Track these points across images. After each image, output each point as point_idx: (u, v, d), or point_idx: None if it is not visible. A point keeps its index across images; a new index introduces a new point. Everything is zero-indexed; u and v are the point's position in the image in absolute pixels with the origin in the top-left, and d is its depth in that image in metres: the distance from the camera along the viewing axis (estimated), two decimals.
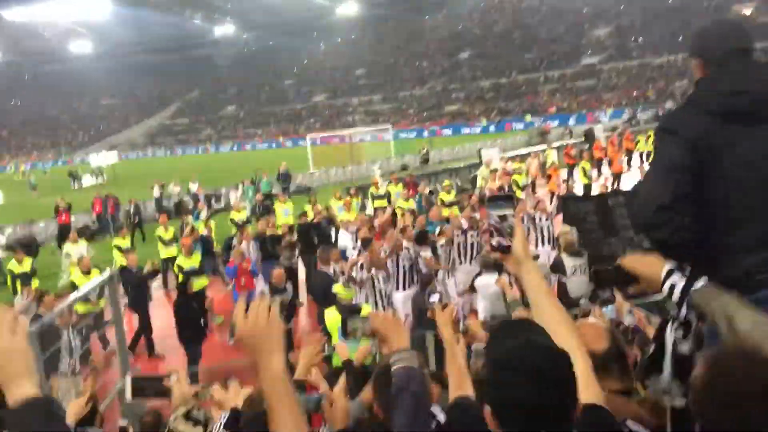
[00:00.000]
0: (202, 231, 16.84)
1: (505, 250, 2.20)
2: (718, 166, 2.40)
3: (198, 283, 12.38)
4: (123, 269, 12.52)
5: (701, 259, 2.33)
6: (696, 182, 2.42)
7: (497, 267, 9.76)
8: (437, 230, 12.86)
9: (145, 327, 12.41)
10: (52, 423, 1.54)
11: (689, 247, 2.39)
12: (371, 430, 3.09)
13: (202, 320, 10.90)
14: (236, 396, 3.78)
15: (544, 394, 1.52)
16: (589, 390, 1.86)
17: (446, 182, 21.56)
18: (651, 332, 3.94)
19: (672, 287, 2.08)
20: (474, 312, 11.01)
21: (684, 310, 2.09)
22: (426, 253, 11.60)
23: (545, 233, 13.31)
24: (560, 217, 15.21)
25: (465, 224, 12.38)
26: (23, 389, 1.57)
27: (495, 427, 1.62)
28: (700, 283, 2.03)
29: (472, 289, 10.44)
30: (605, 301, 4.22)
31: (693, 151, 2.40)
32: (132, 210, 25.06)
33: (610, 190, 17.00)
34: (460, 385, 2.74)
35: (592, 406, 1.82)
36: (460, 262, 12.06)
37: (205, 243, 16.16)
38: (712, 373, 1.55)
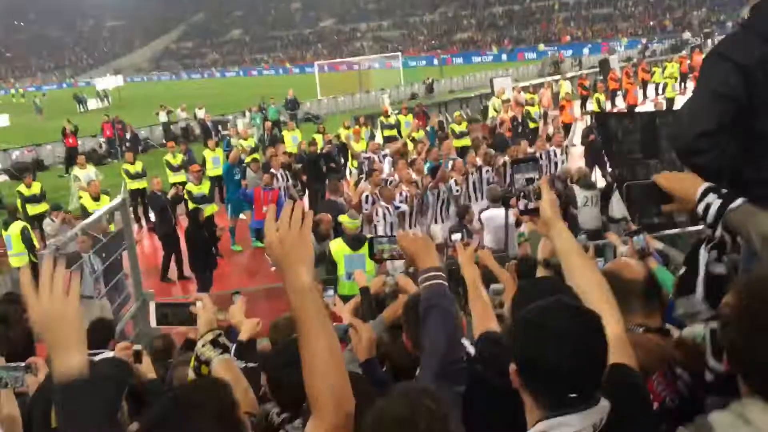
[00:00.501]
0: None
1: (534, 212, 2.18)
2: None
3: (207, 210, 12.36)
4: (152, 194, 12.50)
5: (742, 190, 2.23)
6: (746, 112, 2.30)
7: (504, 201, 9.74)
8: (450, 165, 12.65)
9: (176, 250, 12.30)
10: (96, 401, 1.56)
11: (728, 175, 2.32)
12: (399, 360, 3.08)
13: (213, 248, 10.87)
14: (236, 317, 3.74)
15: (572, 358, 1.51)
16: (619, 353, 1.82)
17: (456, 113, 21.26)
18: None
19: (707, 207, 2.01)
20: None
21: (719, 231, 2.04)
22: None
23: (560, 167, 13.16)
24: (575, 149, 15.12)
25: (479, 161, 12.22)
26: (70, 358, 1.60)
27: (519, 384, 1.61)
28: (736, 203, 1.96)
29: (478, 221, 10.42)
30: (636, 231, 4.13)
31: (745, 79, 2.27)
32: (128, 137, 24.97)
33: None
34: (485, 321, 2.75)
35: (617, 365, 1.77)
36: (476, 199, 11.94)
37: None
38: (744, 300, 1.49)
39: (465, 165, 12.19)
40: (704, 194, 2.03)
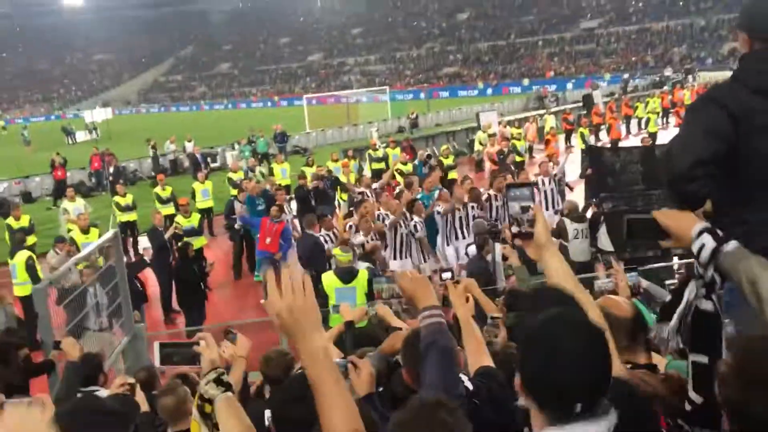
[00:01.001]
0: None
1: (528, 236, 2.22)
2: (757, 143, 2.41)
3: (196, 243, 12.42)
4: (153, 228, 12.49)
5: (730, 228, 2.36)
6: (732, 157, 2.43)
7: (492, 234, 9.88)
8: (436, 194, 12.84)
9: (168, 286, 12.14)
10: None
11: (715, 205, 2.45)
12: (399, 393, 3.14)
13: (201, 283, 10.81)
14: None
15: (577, 373, 1.51)
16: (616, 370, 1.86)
17: (444, 146, 21.49)
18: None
19: (701, 247, 2.08)
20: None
21: (710, 271, 2.09)
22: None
23: (549, 197, 13.35)
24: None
25: (466, 197, 12.37)
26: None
27: (524, 395, 1.62)
28: (729, 246, 2.03)
29: (466, 256, 10.55)
30: (630, 269, 4.28)
31: (734, 126, 2.40)
32: (111, 171, 24.96)
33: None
34: (480, 357, 2.80)
35: (617, 378, 1.81)
36: (463, 236, 12.04)
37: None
38: (741, 359, 1.54)
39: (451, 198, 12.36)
40: (699, 234, 2.09)
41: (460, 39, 79.79)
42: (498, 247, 9.73)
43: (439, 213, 11.86)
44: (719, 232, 2.11)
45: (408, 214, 11.67)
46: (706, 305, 2.21)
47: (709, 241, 2.06)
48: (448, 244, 11.94)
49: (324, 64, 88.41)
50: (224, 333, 4.39)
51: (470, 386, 2.48)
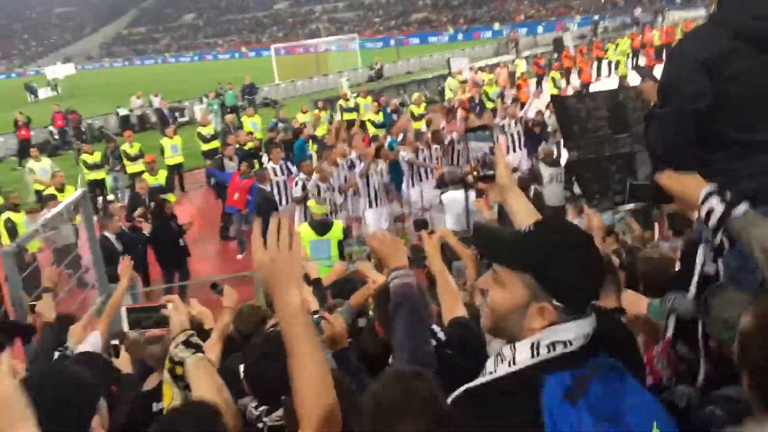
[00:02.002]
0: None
1: (490, 178, 2.20)
2: (730, 89, 2.37)
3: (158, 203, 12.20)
4: (135, 194, 12.34)
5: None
6: (710, 108, 2.40)
7: (463, 183, 9.93)
8: (399, 138, 12.84)
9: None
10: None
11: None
12: (372, 347, 3.16)
13: (180, 240, 10.61)
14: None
15: (592, 269, 1.60)
16: None
17: (416, 95, 21.32)
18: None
19: (709, 212, 2.02)
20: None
21: (719, 236, 2.04)
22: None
23: (515, 140, 13.43)
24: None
25: (430, 138, 12.37)
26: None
27: (530, 297, 1.62)
28: (739, 210, 1.97)
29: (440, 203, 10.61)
30: (605, 208, 4.27)
31: (708, 73, 2.36)
32: (71, 132, 24.44)
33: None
34: (454, 308, 2.82)
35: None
36: (427, 178, 12.13)
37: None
38: (760, 322, 1.52)
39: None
40: (707, 197, 2.03)
41: None
42: (472, 195, 9.80)
43: (404, 158, 11.88)
44: (728, 194, 2.04)
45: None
46: (710, 268, 2.20)
47: (717, 205, 2.00)
48: (413, 186, 12.04)
49: (291, 12, 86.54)
50: (211, 287, 4.37)
51: (442, 337, 2.50)
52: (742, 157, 2.37)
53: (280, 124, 18.24)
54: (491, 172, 2.20)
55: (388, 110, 19.31)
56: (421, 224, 10.46)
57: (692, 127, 2.42)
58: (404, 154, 11.91)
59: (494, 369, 1.61)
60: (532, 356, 1.55)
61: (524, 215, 2.13)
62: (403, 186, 12.12)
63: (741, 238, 1.96)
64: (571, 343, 1.55)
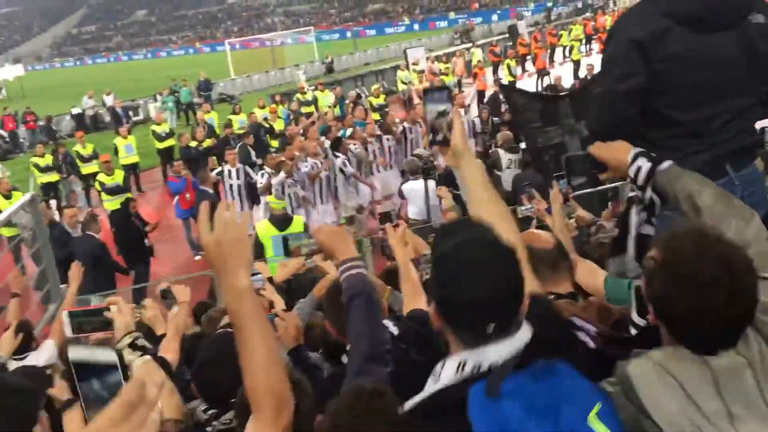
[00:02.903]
0: None
1: (444, 143, 2.14)
2: (670, 71, 2.41)
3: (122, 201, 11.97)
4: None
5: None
6: (644, 87, 2.45)
7: (424, 172, 9.95)
8: (347, 132, 12.78)
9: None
10: None
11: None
12: (325, 346, 3.14)
13: (144, 239, 10.35)
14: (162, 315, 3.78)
15: (488, 288, 1.47)
16: (528, 285, 1.84)
17: (375, 86, 21.29)
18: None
19: (638, 170, 2.11)
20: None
21: (648, 193, 2.12)
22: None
23: (466, 127, 13.55)
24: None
25: (377, 130, 12.32)
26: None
27: (441, 324, 1.58)
28: (664, 165, 2.06)
29: (399, 194, 10.57)
30: (559, 176, 4.28)
31: (640, 51, 2.40)
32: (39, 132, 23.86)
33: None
34: (415, 300, 2.82)
35: (536, 296, 1.76)
36: (377, 170, 12.12)
37: None
38: (664, 253, 1.56)
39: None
40: (634, 158, 2.13)
41: None
42: (431, 184, 9.82)
43: (351, 151, 11.81)
44: (653, 154, 2.13)
45: (331, 153, 11.62)
46: (647, 230, 2.27)
47: (644, 164, 2.10)
48: (371, 174, 12.01)
49: (245, 6, 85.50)
50: (162, 297, 4.27)
51: (395, 331, 2.48)
52: (686, 136, 2.42)
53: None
54: (444, 137, 2.14)
55: (346, 102, 19.20)
56: (386, 217, 10.41)
57: (626, 106, 2.48)
58: (353, 148, 11.83)
59: (426, 389, 1.57)
60: (456, 372, 1.51)
61: (475, 185, 2.09)
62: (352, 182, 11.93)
63: (666, 189, 2.05)
64: (496, 365, 1.49)
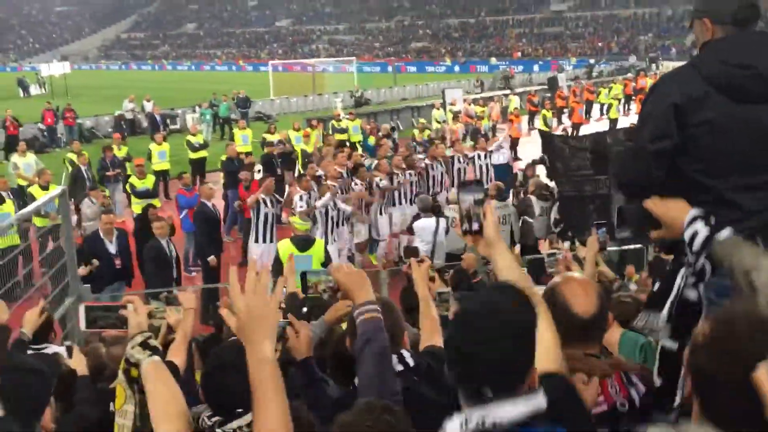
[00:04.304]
0: None
1: (477, 233, 2.20)
2: (703, 138, 2.39)
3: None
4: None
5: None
6: (675, 150, 2.43)
7: (435, 211, 9.99)
8: (373, 165, 12.85)
9: None
10: None
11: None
12: (337, 359, 3.13)
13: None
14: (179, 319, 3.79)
15: (485, 355, 1.53)
16: (552, 363, 1.88)
17: (421, 120, 21.48)
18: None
19: (694, 235, 2.06)
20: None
21: (702, 260, 2.07)
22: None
23: (483, 171, 13.63)
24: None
25: (402, 163, 12.39)
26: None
27: (453, 380, 1.63)
28: (723, 234, 2.01)
29: (409, 230, 10.57)
30: (600, 225, 4.23)
31: (675, 113, 2.39)
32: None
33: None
34: (432, 337, 2.86)
35: (551, 373, 1.82)
36: (400, 203, 12.18)
37: None
38: (717, 329, 1.52)
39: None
40: (692, 221, 2.07)
41: (431, 14, 79.33)
42: (443, 223, 9.87)
43: (377, 185, 11.85)
44: (712, 219, 2.07)
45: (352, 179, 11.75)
46: (691, 294, 2.20)
47: (702, 229, 2.04)
48: (381, 214, 11.99)
49: (292, 30, 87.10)
50: (166, 303, 4.29)
51: (411, 362, 2.48)
52: (715, 203, 2.39)
53: None
54: (477, 227, 2.19)
55: (380, 134, 19.33)
56: (411, 251, 10.45)
57: (653, 166, 2.46)
58: (377, 180, 11.90)
59: None
60: (460, 429, 1.54)
61: (508, 272, 2.13)
62: (373, 210, 12.00)
63: (724, 262, 1.98)
64: (501, 423, 1.52)
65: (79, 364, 3.82)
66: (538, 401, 1.57)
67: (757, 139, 2.37)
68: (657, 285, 2.49)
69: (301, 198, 10.59)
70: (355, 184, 11.69)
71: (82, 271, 8.08)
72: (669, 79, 2.56)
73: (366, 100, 36.84)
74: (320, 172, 11.96)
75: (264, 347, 1.66)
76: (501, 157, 14.96)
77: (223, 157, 15.05)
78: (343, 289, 2.30)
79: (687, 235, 2.07)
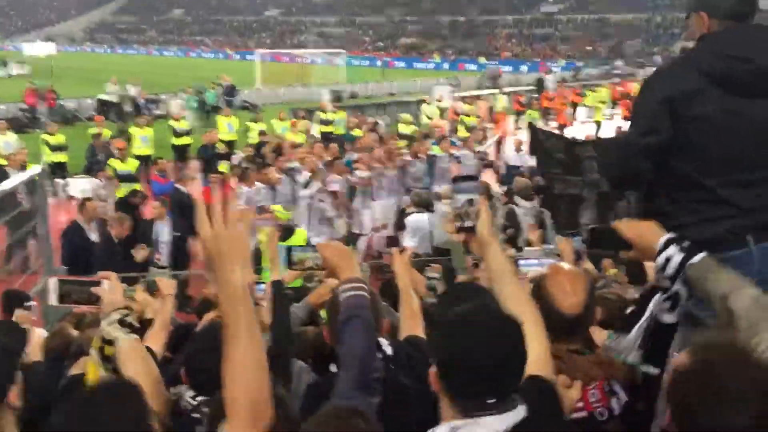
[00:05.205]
0: None
1: (471, 231, 2.19)
2: (692, 132, 2.34)
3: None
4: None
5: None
6: (665, 145, 2.39)
7: (426, 206, 9.93)
8: (353, 157, 12.76)
9: None
10: None
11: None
12: (316, 356, 3.10)
13: None
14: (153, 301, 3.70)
15: (491, 359, 1.52)
16: (541, 371, 1.86)
17: (404, 115, 21.40)
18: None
19: (667, 260, 2.02)
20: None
21: (677, 285, 2.03)
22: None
23: (471, 172, 13.58)
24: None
25: (384, 156, 12.30)
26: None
27: (439, 388, 1.61)
28: (697, 258, 1.96)
29: (400, 226, 10.47)
30: (574, 234, 4.24)
31: (669, 107, 2.34)
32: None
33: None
34: (413, 327, 2.82)
35: (533, 376, 1.80)
36: (379, 197, 12.03)
37: None
38: (695, 363, 1.52)
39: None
40: (665, 246, 2.03)
41: (422, 10, 79.30)
42: (434, 218, 9.80)
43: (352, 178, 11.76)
44: (686, 243, 2.03)
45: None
46: (669, 318, 2.17)
47: (675, 254, 2.00)
48: (364, 208, 11.82)
49: (281, 21, 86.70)
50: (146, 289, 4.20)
51: (389, 351, 2.45)
52: (709, 200, 2.35)
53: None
54: (471, 224, 2.19)
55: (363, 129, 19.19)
56: (392, 241, 10.39)
57: (641, 160, 2.43)
58: (358, 173, 11.79)
59: None
60: None
61: (498, 272, 2.13)
62: (356, 204, 11.84)
63: (698, 285, 1.95)
64: None
65: (34, 350, 3.74)
66: (520, 413, 1.57)
67: (754, 135, 2.33)
68: (630, 309, 2.46)
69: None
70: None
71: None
72: (662, 72, 2.53)
73: (353, 93, 36.70)
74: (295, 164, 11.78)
75: (234, 276, 1.58)
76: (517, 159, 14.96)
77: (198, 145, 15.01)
78: (329, 266, 2.24)
79: (660, 260, 2.04)
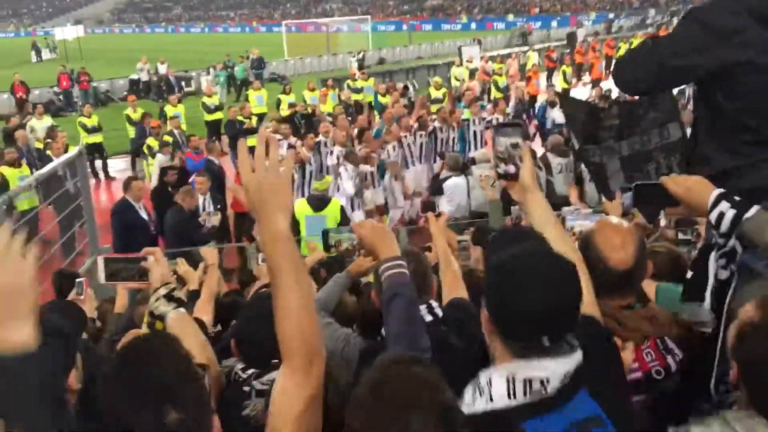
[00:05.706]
0: None
1: (512, 177, 2.11)
2: (743, 77, 2.24)
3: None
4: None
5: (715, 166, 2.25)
6: (706, 82, 2.32)
7: (464, 169, 9.81)
8: (383, 130, 12.59)
9: None
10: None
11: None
12: (362, 320, 3.10)
13: None
14: (200, 273, 3.76)
15: (546, 301, 1.48)
16: (587, 309, 1.82)
17: (436, 79, 21.16)
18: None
19: (720, 216, 1.93)
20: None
21: (732, 241, 1.97)
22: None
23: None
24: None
25: (415, 125, 12.15)
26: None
27: (492, 333, 1.59)
28: (751, 212, 1.89)
29: (437, 191, 10.35)
30: (628, 188, 4.10)
31: (711, 43, 2.26)
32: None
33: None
34: (455, 289, 2.79)
35: (588, 316, 1.78)
36: (412, 164, 11.96)
37: None
38: (763, 314, 1.47)
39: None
40: (716, 202, 1.95)
41: None
42: (471, 180, 9.69)
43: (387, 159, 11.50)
44: (737, 197, 1.95)
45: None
46: (723, 274, 2.11)
47: (728, 210, 1.92)
48: (396, 178, 11.59)
49: None
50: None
51: (439, 313, 2.44)
52: (758, 143, 2.27)
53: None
54: (513, 170, 2.10)
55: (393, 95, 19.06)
56: (428, 206, 10.29)
57: (666, 79, 2.40)
58: (390, 148, 11.58)
59: (472, 401, 1.53)
60: (509, 396, 1.49)
61: (540, 220, 2.07)
62: (386, 176, 11.55)
63: (756, 238, 1.88)
64: (548, 381, 1.48)
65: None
66: (576, 357, 1.53)
67: None
68: (690, 274, 2.36)
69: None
70: (360, 149, 11.39)
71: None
72: (709, 6, 2.40)
73: (381, 59, 36.39)
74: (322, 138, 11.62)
75: (276, 220, 1.58)
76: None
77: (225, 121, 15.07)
78: (366, 246, 2.18)
79: (713, 217, 1.95)
